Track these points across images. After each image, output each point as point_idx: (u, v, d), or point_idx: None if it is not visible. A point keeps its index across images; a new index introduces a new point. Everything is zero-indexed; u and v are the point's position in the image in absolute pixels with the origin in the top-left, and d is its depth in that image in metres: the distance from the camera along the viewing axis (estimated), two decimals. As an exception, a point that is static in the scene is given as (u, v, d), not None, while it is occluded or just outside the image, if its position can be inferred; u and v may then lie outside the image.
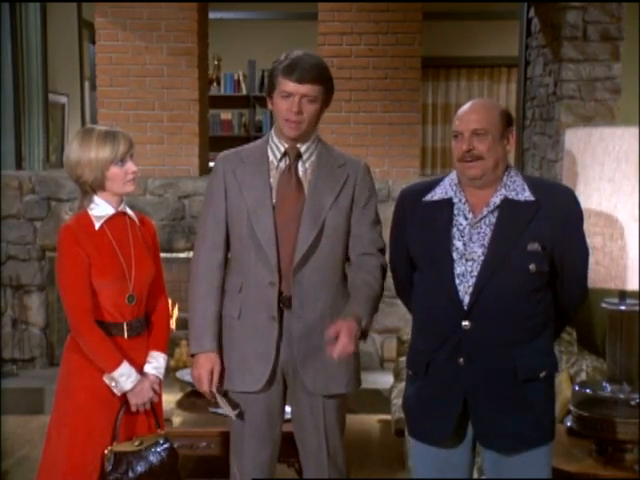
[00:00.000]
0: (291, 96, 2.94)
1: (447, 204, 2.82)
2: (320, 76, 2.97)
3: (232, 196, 3.06)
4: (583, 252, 2.85)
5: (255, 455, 3.11)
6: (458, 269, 2.75)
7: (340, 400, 3.13)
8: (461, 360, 2.75)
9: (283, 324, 3.03)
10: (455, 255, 2.76)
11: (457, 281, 2.75)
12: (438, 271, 2.79)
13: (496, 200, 2.75)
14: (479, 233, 2.75)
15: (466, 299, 2.73)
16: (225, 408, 3.10)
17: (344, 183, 3.06)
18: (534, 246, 2.71)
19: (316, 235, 3.00)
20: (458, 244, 2.76)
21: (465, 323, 2.72)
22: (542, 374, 2.76)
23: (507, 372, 2.73)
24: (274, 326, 3.01)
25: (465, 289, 2.74)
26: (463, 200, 2.80)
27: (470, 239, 2.75)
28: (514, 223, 2.72)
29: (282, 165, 3.06)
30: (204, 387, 3.07)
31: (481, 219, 2.76)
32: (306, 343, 3.02)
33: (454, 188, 2.83)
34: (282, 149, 3.06)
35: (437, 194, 2.85)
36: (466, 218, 2.78)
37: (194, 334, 3.09)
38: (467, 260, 2.74)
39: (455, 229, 2.78)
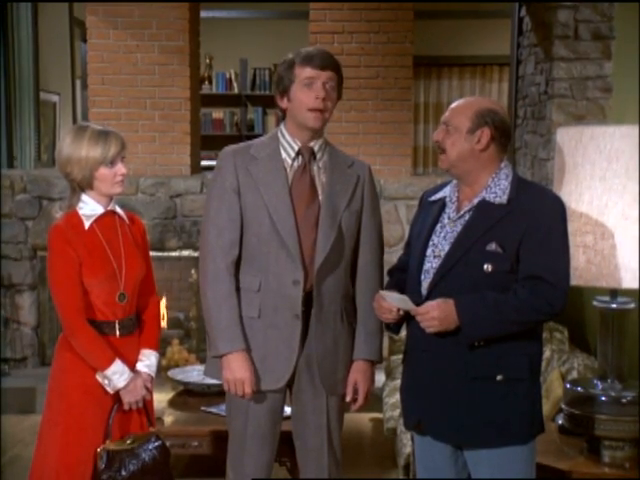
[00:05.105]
0: (314, 83, 2.94)
1: (441, 203, 2.88)
2: (336, 63, 3.01)
3: (247, 193, 2.99)
4: (547, 263, 2.69)
5: (258, 455, 3.09)
6: (426, 265, 2.79)
7: (342, 399, 3.14)
8: (421, 353, 2.81)
9: (304, 323, 3.02)
10: (429, 251, 2.80)
11: (422, 277, 2.80)
12: (412, 266, 2.86)
13: (475, 201, 2.78)
14: (452, 232, 2.79)
15: (425, 294, 2.78)
16: (404, 304, 2.78)
17: (355, 185, 3.08)
18: (492, 246, 2.70)
19: (335, 237, 3.01)
20: (435, 241, 2.81)
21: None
22: (498, 377, 2.72)
23: (458, 369, 2.74)
24: (297, 324, 3.00)
25: (426, 285, 2.78)
26: (454, 199, 2.85)
27: (444, 237, 2.79)
28: (480, 224, 2.73)
29: (296, 164, 3.05)
30: (248, 389, 2.96)
31: (458, 218, 2.79)
32: (323, 342, 3.04)
33: (452, 188, 2.88)
34: (296, 148, 3.04)
35: (440, 193, 2.91)
36: (449, 217, 2.82)
37: (223, 335, 2.97)
38: (435, 257, 2.78)
39: (438, 226, 2.83)
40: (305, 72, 2.95)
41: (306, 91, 2.95)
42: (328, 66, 2.97)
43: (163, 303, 6.21)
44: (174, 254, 6.25)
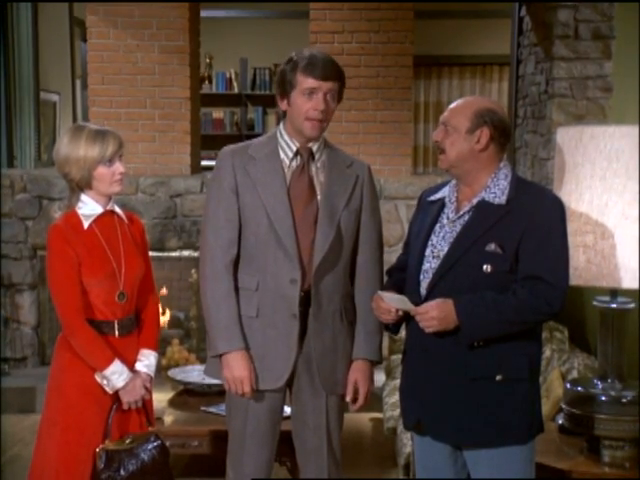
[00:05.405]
0: (315, 94, 2.93)
1: (440, 203, 2.88)
2: (339, 72, 3.00)
3: (245, 193, 3.00)
4: (546, 263, 2.69)
5: (257, 454, 3.08)
6: (425, 265, 2.80)
7: (341, 399, 3.14)
8: (420, 353, 2.81)
9: (302, 322, 3.02)
10: (428, 252, 2.80)
11: (421, 277, 2.80)
12: (411, 266, 2.86)
13: (474, 201, 2.78)
14: (451, 232, 2.79)
15: (424, 295, 2.78)
16: (403, 304, 2.78)
17: (354, 184, 3.08)
18: (491, 247, 2.70)
19: (334, 236, 3.01)
20: (434, 241, 2.81)
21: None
22: (498, 377, 2.72)
23: (457, 369, 2.74)
24: (295, 324, 3.00)
25: (425, 285, 2.78)
26: (452, 199, 2.85)
27: (443, 238, 2.80)
28: (480, 224, 2.74)
29: (294, 164, 3.04)
30: (247, 388, 2.97)
31: (457, 219, 2.79)
32: (321, 341, 3.04)
33: (452, 188, 2.88)
34: (294, 148, 3.04)
35: (439, 193, 2.91)
36: (448, 217, 2.82)
37: (222, 334, 2.98)
38: (434, 257, 2.79)
39: (437, 226, 2.83)
40: (307, 82, 2.93)
41: (306, 100, 2.95)
42: (330, 77, 2.95)
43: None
44: (174, 254, 6.25)
